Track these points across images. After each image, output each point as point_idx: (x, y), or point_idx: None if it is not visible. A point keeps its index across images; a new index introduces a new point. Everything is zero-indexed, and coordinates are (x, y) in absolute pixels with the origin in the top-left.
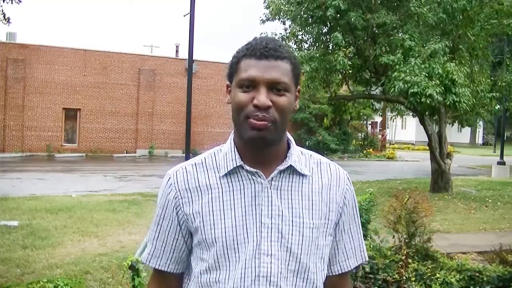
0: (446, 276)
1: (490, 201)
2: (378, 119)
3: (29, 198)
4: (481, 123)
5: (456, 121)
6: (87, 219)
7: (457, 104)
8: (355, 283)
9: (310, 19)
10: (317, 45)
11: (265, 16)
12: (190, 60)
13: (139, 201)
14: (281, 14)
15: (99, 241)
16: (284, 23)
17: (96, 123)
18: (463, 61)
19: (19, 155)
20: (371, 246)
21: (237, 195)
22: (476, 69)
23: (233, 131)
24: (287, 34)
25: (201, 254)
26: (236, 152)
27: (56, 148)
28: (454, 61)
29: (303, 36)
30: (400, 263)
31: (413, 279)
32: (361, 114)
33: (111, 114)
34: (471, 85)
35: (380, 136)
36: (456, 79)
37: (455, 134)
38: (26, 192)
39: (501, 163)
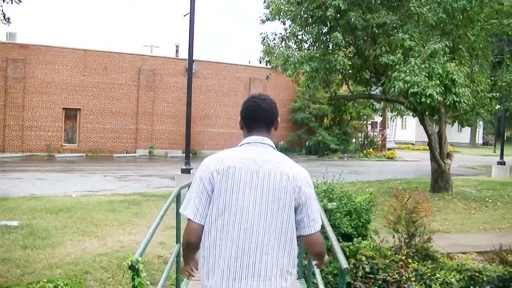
0: (446, 276)
1: (490, 201)
2: (378, 119)
3: (29, 198)
4: (481, 123)
5: (456, 121)
6: (87, 219)
7: (457, 104)
8: (355, 283)
9: (310, 19)
10: (317, 45)
11: (265, 16)
12: (190, 60)
13: (139, 201)
14: (281, 14)
15: (99, 241)
16: (284, 23)
17: (96, 123)
18: (463, 61)
19: (19, 155)
20: (371, 246)
21: None
22: (476, 69)
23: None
24: (287, 34)
25: None
26: None
27: (56, 148)
28: (454, 61)
29: (303, 36)
30: (400, 263)
31: (413, 279)
32: (361, 114)
33: (111, 114)
34: (471, 85)
35: (380, 136)
36: (456, 79)
37: (455, 134)
38: (26, 192)
39: (501, 163)
